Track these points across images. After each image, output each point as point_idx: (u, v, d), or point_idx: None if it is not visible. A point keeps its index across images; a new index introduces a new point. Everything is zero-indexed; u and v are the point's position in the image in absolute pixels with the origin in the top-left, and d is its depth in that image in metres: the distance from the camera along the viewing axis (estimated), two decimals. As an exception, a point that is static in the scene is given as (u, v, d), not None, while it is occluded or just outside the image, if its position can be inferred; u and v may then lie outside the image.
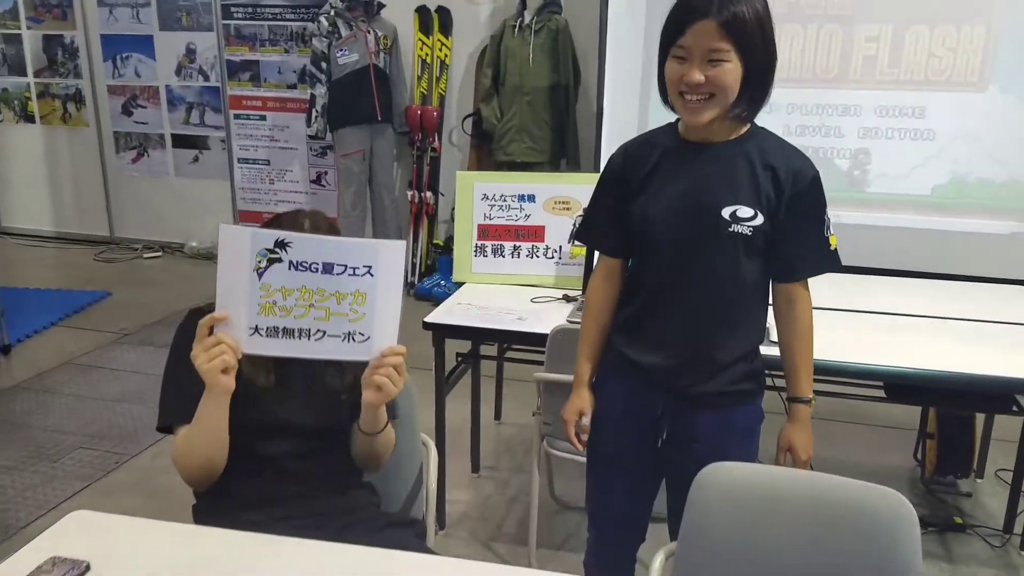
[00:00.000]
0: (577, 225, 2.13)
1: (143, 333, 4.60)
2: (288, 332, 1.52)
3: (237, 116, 5.69)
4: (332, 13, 4.94)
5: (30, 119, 6.13)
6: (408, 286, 5.19)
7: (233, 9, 5.48)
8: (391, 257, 1.50)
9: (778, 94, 1.63)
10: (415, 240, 5.26)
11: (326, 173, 5.63)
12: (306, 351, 1.52)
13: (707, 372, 1.68)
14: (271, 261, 1.48)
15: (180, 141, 5.90)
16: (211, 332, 1.47)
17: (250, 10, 5.45)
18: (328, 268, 1.49)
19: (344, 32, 4.95)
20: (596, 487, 1.90)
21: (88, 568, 1.36)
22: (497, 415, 3.68)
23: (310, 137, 5.26)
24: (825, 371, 2.19)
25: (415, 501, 1.89)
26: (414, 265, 5.24)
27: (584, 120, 4.73)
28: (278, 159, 5.70)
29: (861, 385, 2.51)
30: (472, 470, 3.22)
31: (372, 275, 1.50)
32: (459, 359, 3.02)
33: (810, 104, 3.66)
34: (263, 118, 5.65)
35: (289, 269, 1.48)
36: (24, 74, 6.05)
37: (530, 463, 2.61)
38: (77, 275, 5.57)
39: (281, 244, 1.47)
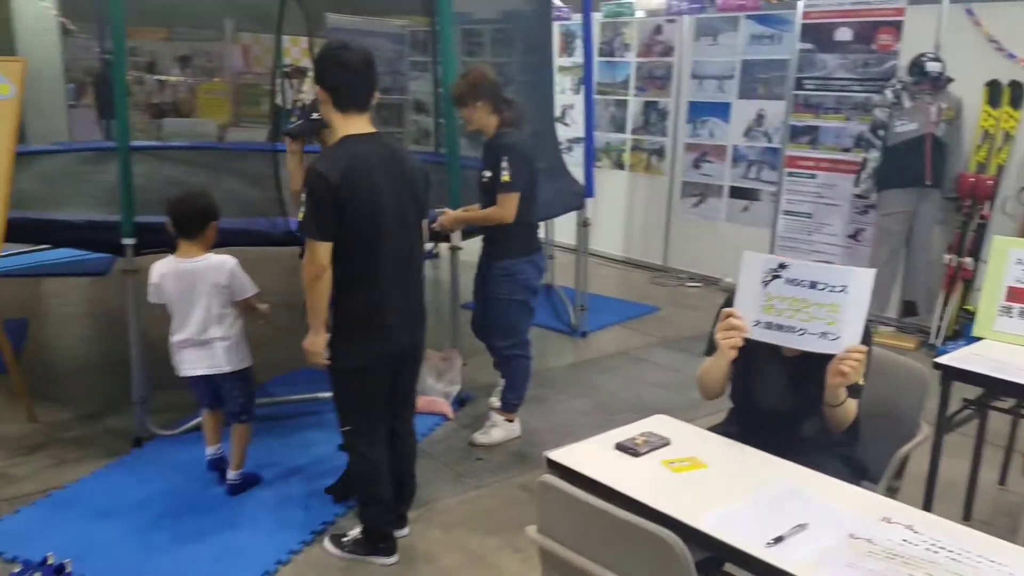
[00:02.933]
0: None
1: (679, 342, 5.56)
2: (780, 327, 2.19)
3: (790, 174, 6.40)
4: (899, 87, 5.35)
5: (621, 167, 7.67)
6: (927, 347, 5.31)
7: (805, 81, 6.22)
8: (862, 281, 2.09)
9: None
10: (945, 303, 5.35)
11: (864, 230, 6.00)
12: (791, 342, 2.18)
13: None
14: (774, 277, 2.18)
15: (736, 192, 6.83)
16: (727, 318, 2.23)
17: (820, 82, 6.12)
18: (814, 284, 2.13)
19: (907, 103, 5.31)
20: None
21: (668, 443, 2.15)
22: (1001, 479, 3.68)
23: (855, 196, 5.72)
24: None
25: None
26: (938, 328, 5.33)
27: None
28: (820, 214, 6.26)
29: None
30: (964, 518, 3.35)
31: (846, 292, 2.09)
32: (965, 403, 3.20)
33: None
34: (813, 176, 6.27)
35: (786, 283, 2.16)
36: (623, 131, 7.61)
37: None
38: (635, 291, 6.85)
39: (781, 266, 2.18)
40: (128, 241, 3.67)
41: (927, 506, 2.83)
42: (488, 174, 3.68)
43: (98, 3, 7.32)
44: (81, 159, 6.88)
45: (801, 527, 1.75)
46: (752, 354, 2.30)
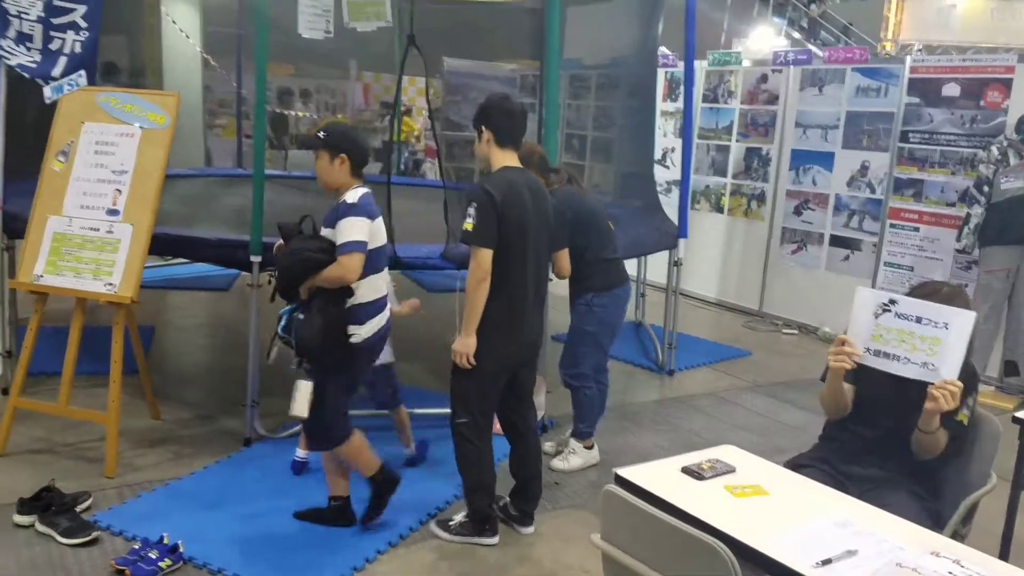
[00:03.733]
0: None
1: (770, 388, 5.57)
2: (886, 355, 2.44)
3: (892, 225, 6.35)
4: (1005, 144, 5.29)
5: (720, 210, 7.74)
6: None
7: (911, 134, 6.19)
8: (963, 322, 2.33)
9: None
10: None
11: (966, 286, 5.87)
12: (895, 369, 2.41)
13: None
14: (884, 310, 2.44)
15: (836, 241, 6.81)
16: (842, 344, 2.47)
17: (927, 136, 6.09)
18: (919, 319, 2.39)
19: (1013, 160, 5.24)
20: None
21: (733, 471, 2.29)
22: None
23: (957, 251, 5.64)
24: None
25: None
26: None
27: None
28: (921, 267, 6.17)
29: None
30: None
31: (948, 329, 2.34)
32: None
33: None
34: (916, 229, 6.20)
35: (895, 317, 2.42)
36: (724, 176, 7.69)
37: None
38: (727, 334, 6.88)
39: (892, 301, 2.45)
40: (255, 259, 4.06)
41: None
42: None
43: (237, 42, 8.01)
44: (215, 183, 7.51)
45: (851, 553, 1.85)
46: (861, 382, 2.60)
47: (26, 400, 4.05)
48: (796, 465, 2.72)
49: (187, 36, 8.15)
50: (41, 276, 4.08)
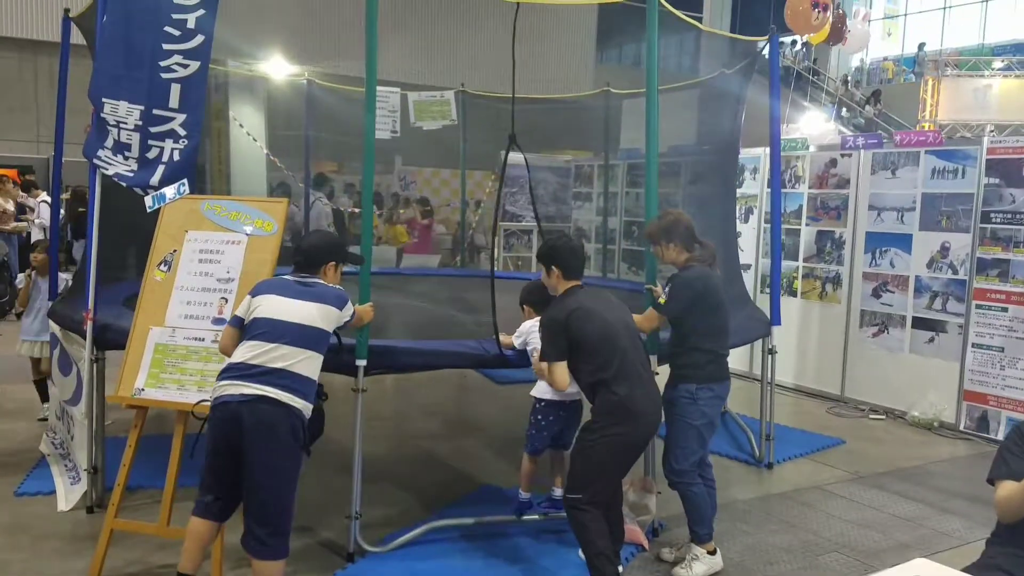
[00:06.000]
0: None
1: (874, 479, 5.34)
2: None
3: (979, 306, 6.20)
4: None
5: (792, 294, 7.63)
6: None
7: (992, 215, 6.10)
8: None
9: None
10: None
11: (1071, 368, 5.70)
12: None
13: None
14: None
15: (919, 323, 6.65)
16: None
17: (1009, 216, 6.00)
18: None
19: (1115, 237, 5.13)
20: None
21: None
22: None
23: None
24: None
25: None
26: None
27: None
28: (1013, 348, 5.99)
29: None
30: None
31: None
32: None
33: None
34: (1004, 310, 6.05)
35: None
36: (796, 259, 7.61)
37: None
38: (813, 421, 6.66)
39: None
40: (361, 362, 3.98)
41: None
42: None
43: (304, 143, 8.17)
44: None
45: None
46: None
47: (123, 521, 3.91)
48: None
49: (254, 139, 8.32)
50: (143, 390, 4.01)
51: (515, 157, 4.69)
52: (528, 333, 4.10)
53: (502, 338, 4.16)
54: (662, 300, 4.03)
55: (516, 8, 4.32)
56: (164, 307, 4.14)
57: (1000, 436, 6.06)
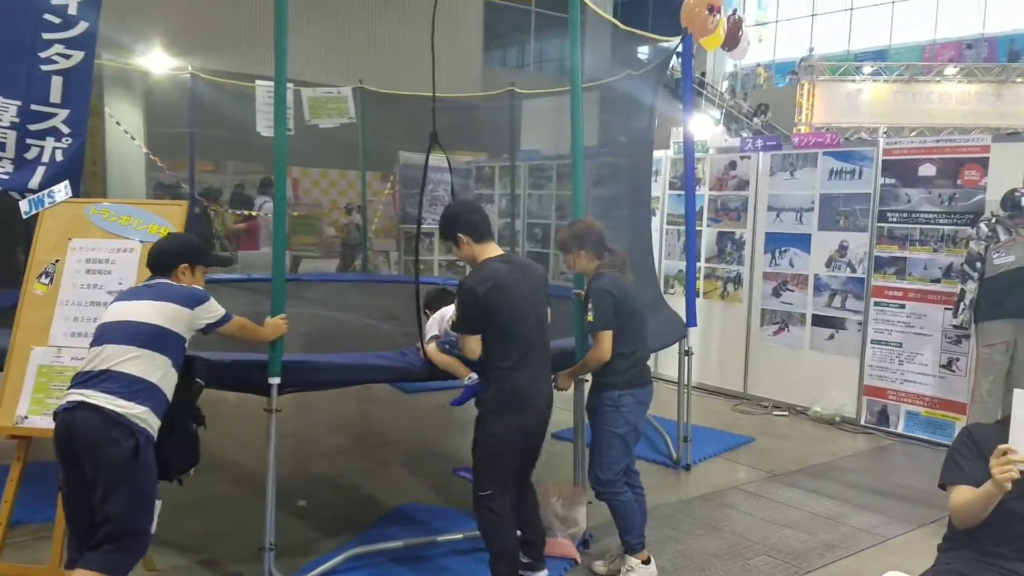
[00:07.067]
0: None
1: (789, 477, 5.43)
2: None
3: (877, 303, 6.43)
4: (993, 221, 5.46)
5: (695, 294, 7.70)
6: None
7: (889, 214, 6.34)
8: None
9: None
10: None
11: (958, 360, 5.98)
12: None
13: None
14: None
15: (819, 320, 6.85)
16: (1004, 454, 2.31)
17: (904, 215, 6.25)
18: None
19: (1003, 237, 5.40)
20: None
21: None
22: None
23: (955, 327, 5.73)
24: None
25: None
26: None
27: None
28: (911, 343, 6.24)
29: None
30: None
31: None
32: None
33: None
34: (902, 306, 6.30)
35: None
36: (697, 260, 7.68)
37: None
38: (720, 420, 6.75)
39: None
40: (274, 380, 3.67)
41: None
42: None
43: (189, 140, 7.65)
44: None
45: None
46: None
47: (7, 564, 3.50)
48: None
49: (132, 137, 7.72)
50: (26, 418, 3.60)
51: (415, 157, 4.50)
52: (442, 319, 3.99)
53: (428, 349, 3.94)
54: (590, 318, 3.85)
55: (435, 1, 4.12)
56: (47, 324, 3.73)
57: (900, 429, 6.31)
